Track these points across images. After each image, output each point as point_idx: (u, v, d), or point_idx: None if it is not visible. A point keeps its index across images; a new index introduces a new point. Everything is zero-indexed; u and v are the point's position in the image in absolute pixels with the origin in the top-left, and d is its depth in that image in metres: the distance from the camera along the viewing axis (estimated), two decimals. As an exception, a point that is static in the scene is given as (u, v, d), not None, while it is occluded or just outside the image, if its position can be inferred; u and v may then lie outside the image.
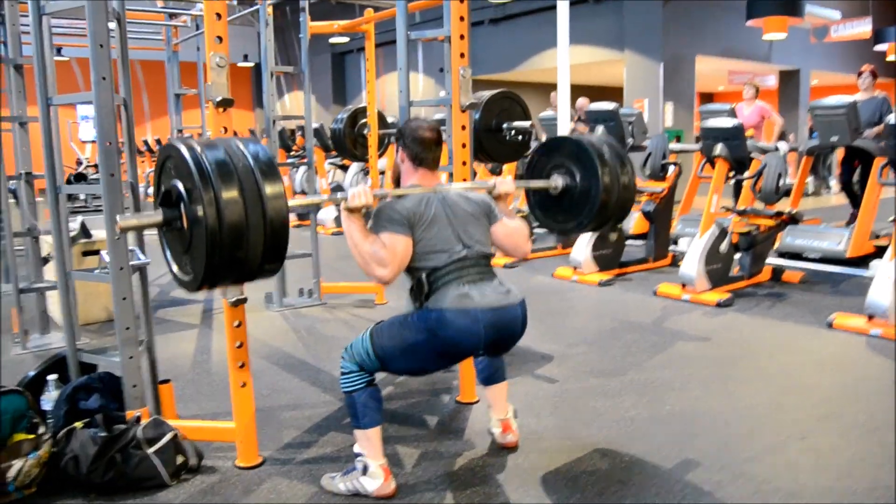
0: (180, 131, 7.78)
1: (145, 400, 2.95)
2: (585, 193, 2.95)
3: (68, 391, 2.91)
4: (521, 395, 3.48)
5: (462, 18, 3.21)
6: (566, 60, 11.67)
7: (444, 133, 2.79)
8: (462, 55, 3.21)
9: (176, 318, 5.35)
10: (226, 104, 2.59)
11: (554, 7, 13.16)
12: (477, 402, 3.41)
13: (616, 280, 6.07)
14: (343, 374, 2.54)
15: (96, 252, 5.21)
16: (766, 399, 3.37)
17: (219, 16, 2.61)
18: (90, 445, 2.63)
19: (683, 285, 5.29)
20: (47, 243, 4.92)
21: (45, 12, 2.94)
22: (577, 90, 15.86)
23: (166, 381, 3.15)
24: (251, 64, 19.66)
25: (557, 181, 3.01)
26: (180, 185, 2.15)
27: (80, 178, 13.23)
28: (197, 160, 2.06)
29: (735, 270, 5.56)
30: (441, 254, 2.48)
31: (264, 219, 2.09)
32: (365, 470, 2.54)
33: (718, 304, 5.07)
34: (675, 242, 7.08)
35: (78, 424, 2.76)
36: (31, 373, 3.08)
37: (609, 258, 6.17)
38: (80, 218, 5.50)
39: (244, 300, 2.73)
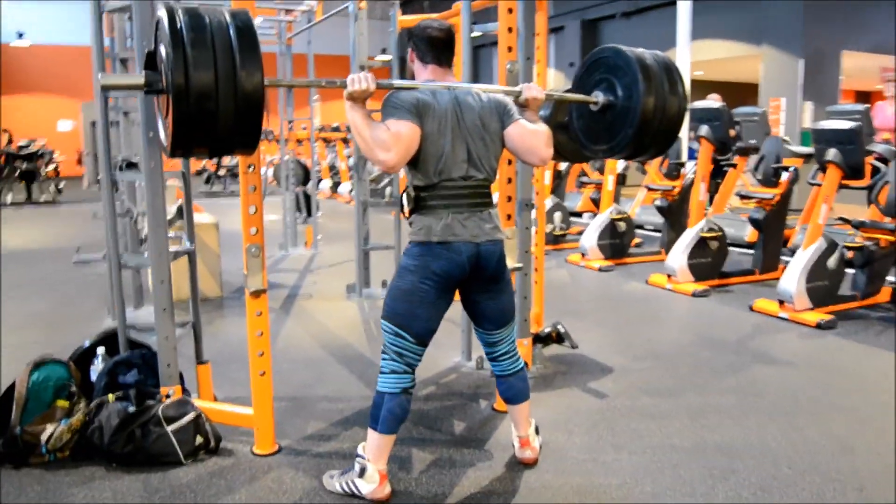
0: (290, 122, 8.10)
1: (178, 379, 3.05)
2: (625, 111, 2.69)
3: (110, 365, 3.07)
4: (562, 408, 3.30)
5: (510, 11, 3.05)
6: (687, 56, 11.08)
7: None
8: (510, 49, 3.05)
9: (259, 300, 5.54)
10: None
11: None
12: (514, 410, 3.27)
13: (712, 291, 5.64)
14: (382, 372, 2.49)
15: (191, 233, 5.51)
16: (834, 440, 2.97)
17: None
18: (114, 418, 2.76)
19: (781, 302, 4.82)
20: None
21: (104, 10, 3.09)
22: (711, 87, 15.01)
23: (205, 363, 3.25)
24: (389, 57, 20.08)
25: (598, 95, 2.77)
26: (161, 49, 2.13)
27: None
28: (173, 24, 2.03)
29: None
30: (440, 163, 2.38)
31: (235, 86, 2.04)
32: (362, 472, 2.48)
33: (818, 326, 4.57)
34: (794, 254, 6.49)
35: (110, 397, 2.90)
36: (86, 343, 3.27)
37: (707, 267, 5.74)
38: (179, 202, 5.81)
39: (264, 291, 2.75)
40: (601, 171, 8.08)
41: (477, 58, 19.58)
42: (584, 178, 8.93)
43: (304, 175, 9.49)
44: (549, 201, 7.83)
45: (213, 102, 2.02)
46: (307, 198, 8.67)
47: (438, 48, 2.50)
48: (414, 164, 2.40)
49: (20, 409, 2.79)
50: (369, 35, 5.58)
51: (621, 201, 9.25)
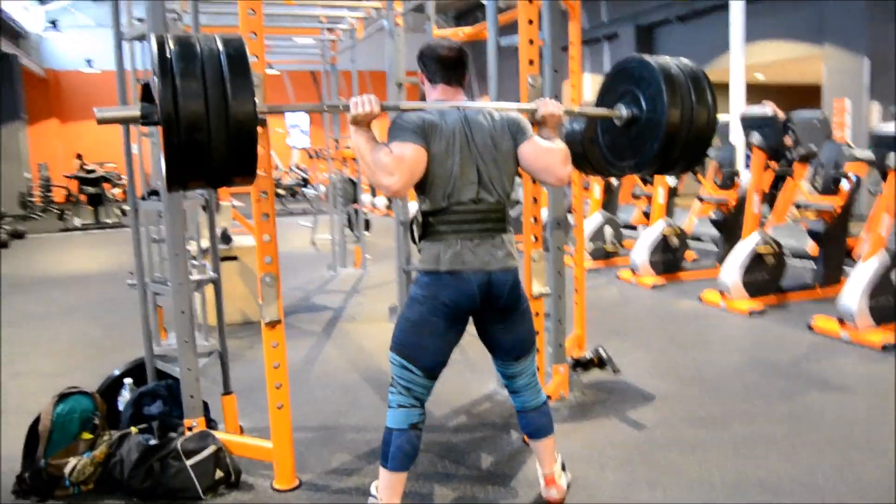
0: (336, 140, 8.13)
1: (202, 410, 3.03)
2: (650, 124, 2.54)
3: (135, 396, 3.08)
4: (597, 440, 3.14)
5: (531, 22, 2.93)
6: (741, 59, 10.68)
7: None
8: (531, 62, 2.93)
9: (301, 325, 5.55)
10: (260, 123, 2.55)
11: (747, 0, 12.13)
12: (546, 441, 3.13)
13: (769, 309, 5.35)
14: (390, 407, 2.40)
15: (234, 258, 5.57)
16: (893, 478, 2.72)
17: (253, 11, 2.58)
18: (134, 451, 2.75)
19: (842, 321, 4.52)
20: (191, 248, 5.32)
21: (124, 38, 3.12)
22: (773, 90, 14.47)
23: (230, 393, 3.22)
24: None
25: (621, 109, 2.63)
26: (155, 80, 2.08)
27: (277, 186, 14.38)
28: (162, 54, 1.99)
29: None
30: (449, 185, 2.28)
31: (227, 116, 1.99)
32: (374, 511, 2.39)
33: (885, 348, 4.26)
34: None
35: (133, 429, 2.89)
36: (115, 373, 3.29)
37: (763, 283, 5.45)
38: (224, 226, 5.88)
39: (278, 321, 2.70)
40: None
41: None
42: (637, 191, 8.68)
43: (354, 193, 9.52)
44: (599, 216, 7.64)
45: (204, 133, 1.97)
46: (358, 216, 8.69)
47: (448, 68, 2.41)
48: (422, 187, 2.31)
49: (45, 441, 2.80)
50: (412, 50, 5.54)
51: (677, 213, 8.98)
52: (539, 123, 2.47)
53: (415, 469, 2.91)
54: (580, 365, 4.09)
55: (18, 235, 11.97)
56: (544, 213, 3.40)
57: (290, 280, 7.37)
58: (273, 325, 2.69)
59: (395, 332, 2.38)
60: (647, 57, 2.60)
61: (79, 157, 15.32)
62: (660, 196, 6.70)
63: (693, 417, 3.36)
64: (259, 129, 2.56)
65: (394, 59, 5.58)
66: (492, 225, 2.35)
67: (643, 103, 2.56)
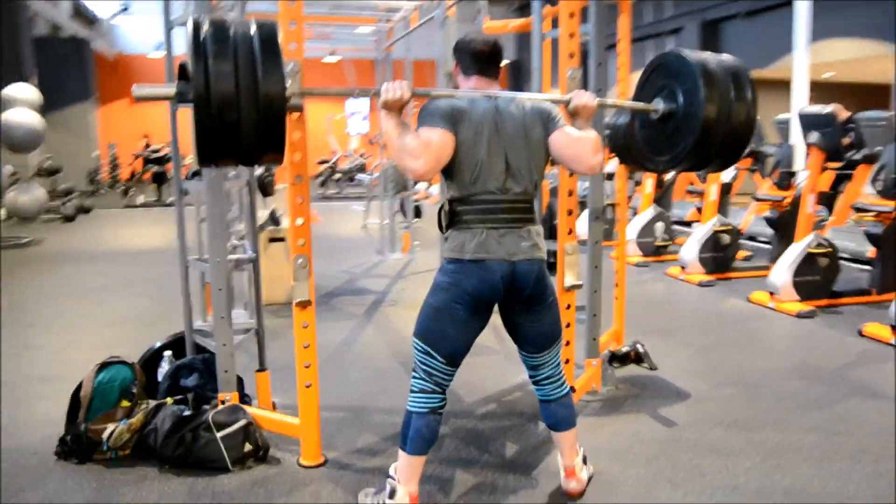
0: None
1: (235, 385, 3.12)
2: (686, 119, 2.51)
3: (173, 368, 3.19)
4: (625, 436, 3.11)
5: (571, 15, 2.91)
6: (805, 57, 10.29)
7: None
8: (571, 55, 2.90)
9: (344, 307, 5.65)
10: (294, 109, 2.60)
11: (816, -5, 11.68)
12: (572, 435, 3.12)
13: (819, 312, 5.18)
14: (411, 391, 2.45)
15: (282, 239, 5.69)
16: (933, 491, 2.63)
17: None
18: (168, 421, 2.86)
19: (894, 327, 4.35)
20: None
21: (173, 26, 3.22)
22: (841, 90, 13.92)
23: (264, 370, 3.31)
24: (505, 61, 19.86)
25: (659, 104, 2.61)
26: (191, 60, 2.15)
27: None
28: (196, 36, 2.05)
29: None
30: (475, 172, 2.29)
31: (257, 96, 2.05)
32: (392, 493, 2.43)
33: (938, 358, 4.09)
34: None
35: (169, 400, 3.01)
36: (157, 345, 3.42)
37: (815, 286, 5.28)
38: (274, 207, 6.02)
39: (309, 302, 2.76)
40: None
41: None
42: (692, 188, 8.50)
43: (405, 179, 9.59)
44: (650, 211, 7.52)
45: (234, 112, 2.03)
46: (407, 202, 8.76)
47: (482, 61, 2.42)
48: (449, 173, 2.33)
49: (85, 407, 2.94)
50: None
51: (735, 212, 8.76)
52: (572, 114, 2.45)
53: (438, 453, 2.95)
54: (617, 359, 4.04)
55: (85, 210, 12.47)
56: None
57: (338, 263, 7.50)
58: (304, 305, 2.75)
59: (419, 318, 2.40)
60: (684, 51, 2.56)
61: (145, 137, 15.83)
62: (712, 193, 6.54)
63: (725, 420, 3.30)
64: (296, 113, 2.64)
65: (444, 49, 5.60)
66: (518, 215, 2.35)
67: (680, 98, 2.52)
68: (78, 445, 2.90)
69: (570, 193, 3.03)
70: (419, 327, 2.39)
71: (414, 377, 2.42)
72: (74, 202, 12.18)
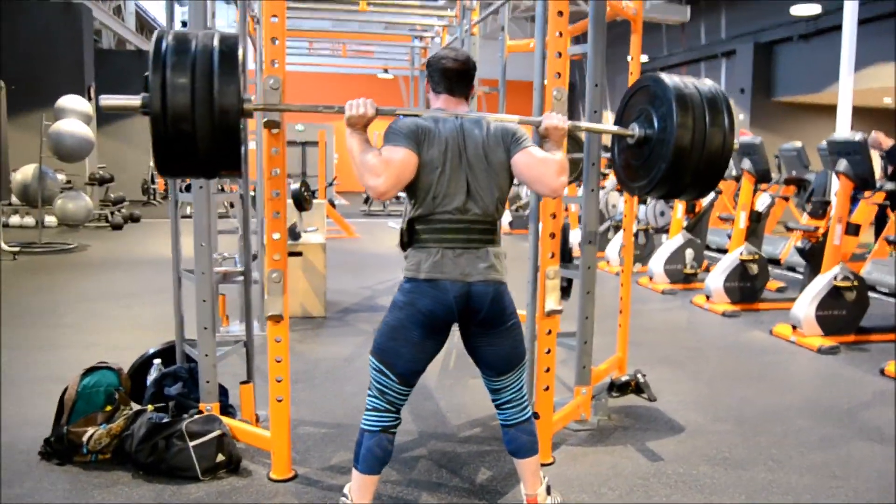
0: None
1: (217, 395, 3.16)
2: (660, 144, 2.46)
3: (158, 376, 3.25)
4: (603, 468, 3.03)
5: (560, 34, 2.87)
6: (849, 83, 9.98)
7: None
8: (558, 75, 2.87)
9: (356, 323, 5.68)
10: (270, 125, 2.64)
11: (876, 19, 11.31)
12: (551, 462, 3.05)
13: (843, 349, 4.96)
14: (366, 409, 2.42)
15: (299, 253, 5.77)
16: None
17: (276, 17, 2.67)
18: (143, 427, 2.90)
19: (917, 369, 4.13)
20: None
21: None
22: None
23: (248, 382, 3.34)
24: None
25: (634, 128, 2.57)
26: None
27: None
28: (157, 48, 2.09)
29: None
30: (436, 191, 2.28)
31: (211, 109, 2.07)
32: (345, 512, 2.42)
33: (960, 402, 3.86)
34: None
35: (150, 407, 3.06)
36: (150, 351, 3.48)
37: (840, 320, 5.06)
38: (294, 221, 6.10)
39: (282, 317, 2.78)
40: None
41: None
42: (725, 214, 8.28)
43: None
44: (679, 238, 7.35)
45: (189, 125, 2.07)
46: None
47: (451, 79, 2.41)
48: (411, 193, 2.33)
49: (68, 409, 3.01)
50: (488, 57, 5.55)
51: (774, 241, 8.50)
52: (542, 136, 2.43)
53: (408, 474, 2.93)
54: (616, 388, 3.94)
55: (134, 219, 12.88)
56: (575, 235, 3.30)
57: (363, 279, 7.56)
58: (277, 319, 2.77)
59: (376, 336, 2.39)
60: (662, 75, 2.51)
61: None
62: (741, 221, 6.36)
63: (716, 456, 3.17)
64: (273, 129, 2.68)
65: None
66: (477, 236, 2.32)
67: (655, 123, 2.47)
68: (59, 447, 2.97)
69: (554, 216, 2.98)
70: (375, 345, 2.38)
71: (368, 395, 2.40)
72: (124, 211, 12.60)
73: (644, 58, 16.81)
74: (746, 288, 6.22)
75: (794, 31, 13.51)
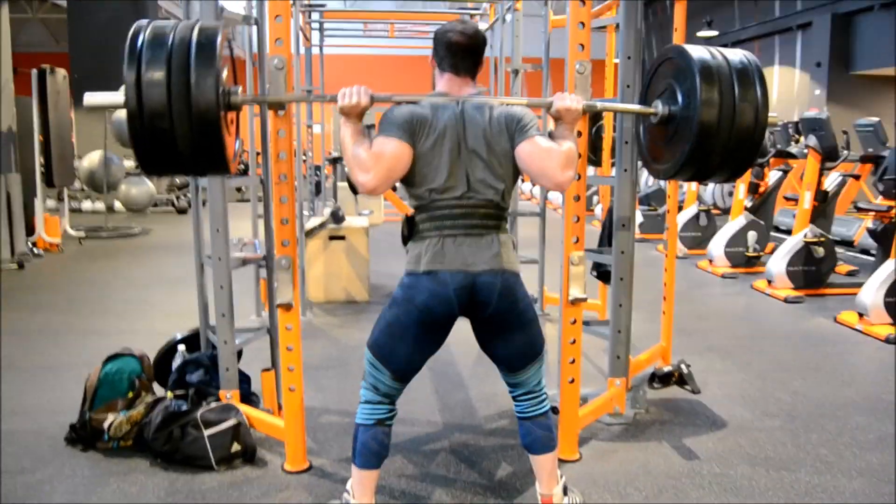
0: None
1: (237, 383, 3.12)
2: (684, 122, 2.27)
3: (181, 363, 3.23)
4: (633, 465, 2.85)
5: (582, 2, 2.67)
6: None
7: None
8: (581, 47, 2.67)
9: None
10: (275, 107, 2.55)
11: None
12: (578, 459, 2.90)
13: (917, 338, 4.58)
14: (360, 402, 2.34)
15: (342, 237, 5.72)
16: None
17: (279, 17, 2.57)
18: (160, 415, 2.89)
19: None
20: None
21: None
22: None
23: (269, 370, 3.29)
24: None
25: (658, 106, 2.37)
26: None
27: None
28: (133, 42, 2.02)
29: None
30: (433, 182, 2.14)
31: (189, 106, 1.99)
32: (347, 508, 2.33)
33: None
34: None
35: (169, 394, 3.05)
36: (177, 336, 3.48)
37: (912, 309, 4.68)
38: (337, 204, 6.05)
39: (292, 305, 2.70)
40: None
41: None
42: (790, 194, 7.83)
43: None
44: (742, 219, 6.98)
45: (166, 121, 1.99)
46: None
47: (457, 55, 2.25)
48: (408, 183, 2.19)
49: (90, 396, 3.03)
50: (532, 35, 5.34)
51: (848, 222, 7.99)
52: (555, 119, 2.25)
53: (425, 468, 2.84)
54: (658, 379, 3.74)
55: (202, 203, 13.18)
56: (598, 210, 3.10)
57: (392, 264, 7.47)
58: (287, 307, 2.70)
59: (374, 329, 2.29)
60: (687, 46, 2.29)
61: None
62: (805, 201, 5.96)
63: (758, 456, 2.95)
64: (279, 111, 2.59)
65: (508, 44, 5.43)
66: (479, 221, 2.17)
67: (679, 99, 2.26)
68: (83, 433, 2.99)
69: (578, 199, 2.80)
70: (372, 339, 2.28)
71: (363, 386, 2.31)
72: (189, 195, 12.91)
73: (714, 32, 16.09)
74: (811, 272, 5.84)
75: (875, 0, 12.63)
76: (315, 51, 6.70)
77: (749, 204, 7.20)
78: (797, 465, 2.87)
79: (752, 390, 3.74)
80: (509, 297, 2.19)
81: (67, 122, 8.85)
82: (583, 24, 2.71)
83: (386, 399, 2.27)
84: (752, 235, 6.91)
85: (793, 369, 4.10)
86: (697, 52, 2.24)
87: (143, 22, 2.10)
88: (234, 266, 3.18)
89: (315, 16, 6.70)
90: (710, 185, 7.85)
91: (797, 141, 8.20)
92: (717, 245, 6.96)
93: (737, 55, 2.26)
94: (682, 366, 3.76)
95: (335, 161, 8.47)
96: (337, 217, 5.84)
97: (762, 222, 7.06)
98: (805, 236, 5.80)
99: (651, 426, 3.25)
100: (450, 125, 2.14)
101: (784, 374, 4.00)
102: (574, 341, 2.87)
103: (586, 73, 2.68)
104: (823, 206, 6.24)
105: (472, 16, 7.39)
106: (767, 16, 15.86)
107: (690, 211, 8.01)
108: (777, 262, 5.88)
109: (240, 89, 2.28)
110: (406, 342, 2.20)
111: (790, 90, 15.51)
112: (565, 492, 2.44)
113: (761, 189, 7.31)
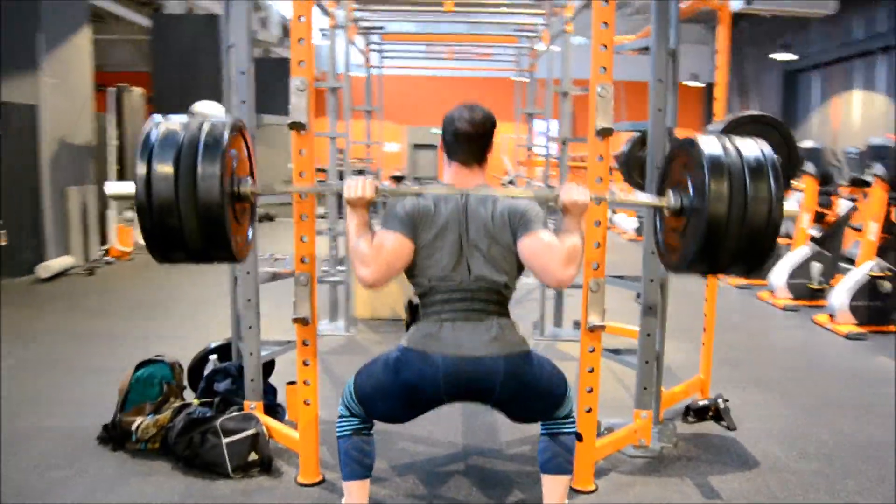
0: (529, 149, 8.07)
1: (262, 394, 3.19)
2: (694, 217, 2.22)
3: (210, 372, 3.34)
4: (649, 499, 2.78)
5: (606, 24, 2.65)
6: None
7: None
8: (604, 69, 2.64)
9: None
10: (297, 127, 2.62)
11: None
12: (593, 490, 2.83)
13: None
14: (338, 416, 2.38)
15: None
16: None
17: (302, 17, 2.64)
18: (182, 421, 2.98)
19: None
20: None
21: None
22: None
23: (293, 382, 3.34)
24: (702, 84, 18.51)
25: (670, 197, 2.32)
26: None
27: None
28: (147, 139, 2.12)
29: None
30: (434, 272, 2.16)
31: (196, 203, 2.07)
32: (342, 524, 2.35)
33: None
34: None
35: (195, 401, 3.15)
36: (212, 345, 3.59)
37: (982, 351, 4.37)
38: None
39: (309, 320, 2.75)
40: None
41: (795, 83, 17.49)
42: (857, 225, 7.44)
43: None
44: (805, 249, 6.70)
45: (175, 218, 2.08)
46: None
47: (463, 144, 2.26)
48: (410, 274, 2.22)
49: (122, 399, 3.16)
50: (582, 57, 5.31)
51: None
52: (563, 211, 2.23)
53: (435, 488, 2.84)
54: (693, 413, 3.63)
55: (269, 218, 13.56)
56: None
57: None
58: (304, 322, 2.75)
59: (365, 369, 2.33)
60: (700, 138, 2.25)
61: (340, 151, 16.91)
62: (870, 231, 5.67)
63: (786, 500, 2.81)
64: (301, 131, 2.66)
65: (562, 68, 5.40)
66: (480, 306, 2.17)
67: (691, 192, 2.23)
68: (113, 434, 3.12)
69: (598, 224, 2.75)
70: (359, 380, 2.32)
71: (340, 403, 2.36)
72: (259, 210, 13.30)
73: (791, 56, 15.57)
74: (876, 308, 5.53)
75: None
76: (374, 71, 6.86)
77: (816, 234, 6.90)
78: (826, 512, 2.72)
79: (792, 428, 3.57)
80: (516, 380, 2.18)
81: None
82: (605, 46, 2.68)
83: (358, 417, 2.31)
84: (816, 266, 6.61)
85: (841, 408, 3.89)
86: (709, 144, 2.19)
87: (157, 118, 2.21)
88: (263, 280, 3.26)
89: (374, 38, 6.87)
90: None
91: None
92: (779, 276, 6.69)
93: (752, 149, 2.20)
94: (720, 400, 3.64)
95: (399, 179, 8.61)
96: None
97: (829, 253, 6.75)
98: (871, 270, 5.51)
99: (677, 461, 3.14)
100: (452, 218, 2.16)
101: (830, 414, 3.80)
102: (592, 370, 2.81)
103: (608, 95, 2.66)
104: (893, 239, 5.92)
105: (529, 38, 7.42)
106: (848, 37, 15.24)
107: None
108: (839, 296, 5.60)
109: (250, 181, 2.36)
110: (388, 404, 2.26)
111: (870, 116, 14.82)
112: (569, 522, 2.39)
113: (828, 218, 7.00)
